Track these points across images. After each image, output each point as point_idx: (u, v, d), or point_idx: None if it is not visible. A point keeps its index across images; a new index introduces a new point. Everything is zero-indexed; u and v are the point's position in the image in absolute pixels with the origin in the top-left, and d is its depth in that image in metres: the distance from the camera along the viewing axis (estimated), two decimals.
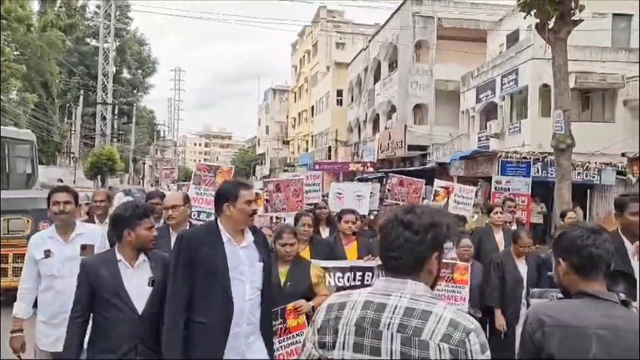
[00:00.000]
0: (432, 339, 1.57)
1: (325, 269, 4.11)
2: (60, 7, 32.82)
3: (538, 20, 7.87)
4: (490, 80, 20.41)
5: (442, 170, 19.77)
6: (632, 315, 1.83)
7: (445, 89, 25.07)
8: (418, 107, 26.16)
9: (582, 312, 1.80)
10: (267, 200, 6.03)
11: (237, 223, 2.91)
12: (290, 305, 3.59)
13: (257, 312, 2.96)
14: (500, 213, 6.26)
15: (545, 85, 17.68)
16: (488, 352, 1.63)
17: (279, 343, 3.59)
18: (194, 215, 5.09)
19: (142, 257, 3.00)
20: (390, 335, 1.60)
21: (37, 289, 3.49)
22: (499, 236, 6.03)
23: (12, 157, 9.69)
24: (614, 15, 18.34)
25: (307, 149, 47.47)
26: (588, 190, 14.97)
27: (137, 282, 2.92)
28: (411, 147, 24.51)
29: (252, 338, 2.95)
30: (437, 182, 8.19)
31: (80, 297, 2.92)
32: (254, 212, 2.96)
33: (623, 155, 13.83)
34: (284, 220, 6.05)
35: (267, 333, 3.06)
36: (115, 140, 42.44)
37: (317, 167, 32.80)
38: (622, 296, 1.89)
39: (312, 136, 46.12)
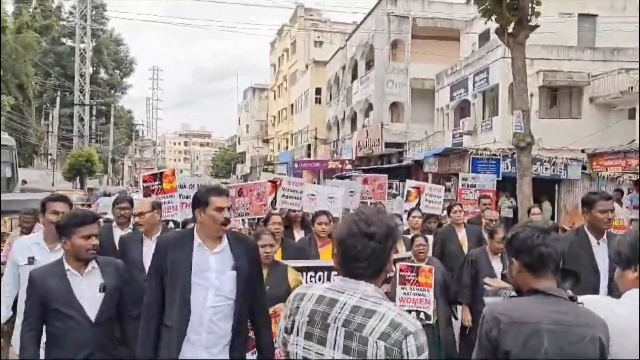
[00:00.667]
0: (371, 335, 1.72)
1: (298, 269, 4.12)
2: (35, 8, 32.55)
3: (498, 25, 8.31)
4: (463, 79, 20.97)
5: (417, 167, 20.29)
6: (580, 310, 1.92)
7: (421, 87, 25.60)
8: (394, 105, 26.67)
9: (533, 309, 1.88)
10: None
11: (207, 229, 2.82)
12: (279, 306, 3.48)
13: (223, 323, 2.76)
14: (459, 211, 6.28)
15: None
16: (426, 354, 1.75)
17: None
18: (171, 225, 5.17)
19: (91, 264, 2.95)
20: (336, 329, 1.77)
21: (17, 292, 3.48)
22: (461, 235, 6.06)
23: None
24: (580, 15, 19.02)
25: (287, 147, 47.73)
26: (556, 185, 15.55)
27: (88, 290, 2.89)
28: (388, 145, 25.00)
29: (217, 351, 2.74)
30: (409, 183, 8.34)
31: (30, 310, 2.87)
32: (227, 220, 2.83)
33: (583, 151, 14.43)
34: (256, 222, 6.02)
35: (237, 349, 2.82)
36: (93, 141, 42.18)
37: (296, 165, 33.16)
38: (570, 292, 2.01)
39: (292, 134, 46.39)
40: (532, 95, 17.46)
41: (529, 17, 8.04)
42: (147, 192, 5.38)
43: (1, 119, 25.39)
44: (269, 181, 6.60)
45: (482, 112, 19.95)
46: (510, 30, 8.20)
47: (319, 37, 47.21)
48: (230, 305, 2.76)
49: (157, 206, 4.15)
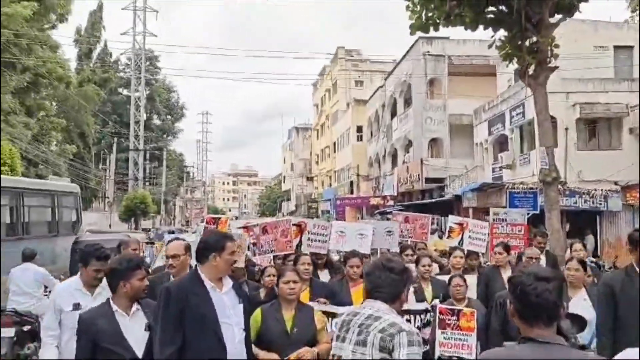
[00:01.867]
0: (373, 330, 2.42)
1: (326, 313, 4.13)
2: (96, 62, 35.27)
3: (519, 68, 8.81)
4: (500, 114, 21.25)
5: (458, 202, 20.48)
6: (576, 356, 1.91)
7: (459, 123, 25.96)
8: (434, 141, 27.08)
9: (523, 357, 1.87)
10: (254, 244, 6.03)
11: (220, 272, 3.12)
12: (293, 356, 3.53)
13: (244, 352, 3.13)
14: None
15: (551, 117, 18.45)
16: (415, 349, 2.35)
17: None
18: None
19: (135, 305, 3.15)
20: (353, 330, 2.52)
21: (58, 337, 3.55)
22: (507, 275, 5.35)
23: (61, 207, 11.03)
24: (615, 47, 19.12)
25: (330, 184, 48.52)
26: (597, 217, 15.48)
27: (135, 329, 3.08)
28: (428, 180, 25.30)
29: None
30: (452, 219, 7.99)
31: (82, 351, 3.04)
32: (235, 262, 3.27)
33: (616, 183, 14.40)
34: (282, 260, 6.01)
35: None
36: (147, 183, 44.38)
37: (338, 202, 33.74)
38: (580, 341, 2.21)
39: (335, 171, 47.22)
40: (567, 128, 17.69)
41: (548, 59, 8.50)
42: (207, 234, 5.86)
43: (64, 166, 27.42)
44: (295, 224, 6.45)
45: (520, 145, 20.10)
46: (530, 72, 8.67)
47: (359, 76, 48.50)
48: (244, 334, 3.17)
49: (189, 249, 4.16)
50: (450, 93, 26.19)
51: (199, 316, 2.98)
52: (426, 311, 4.64)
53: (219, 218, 6.13)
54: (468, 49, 25.73)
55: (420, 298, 5.13)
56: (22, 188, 9.88)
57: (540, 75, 8.54)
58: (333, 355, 2.67)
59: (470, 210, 18.60)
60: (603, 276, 5.02)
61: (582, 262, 4.69)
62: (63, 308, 3.56)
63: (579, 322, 3.45)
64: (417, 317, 4.56)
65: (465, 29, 9.48)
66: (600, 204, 14.77)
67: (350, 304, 4.32)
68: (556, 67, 8.73)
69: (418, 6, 9.10)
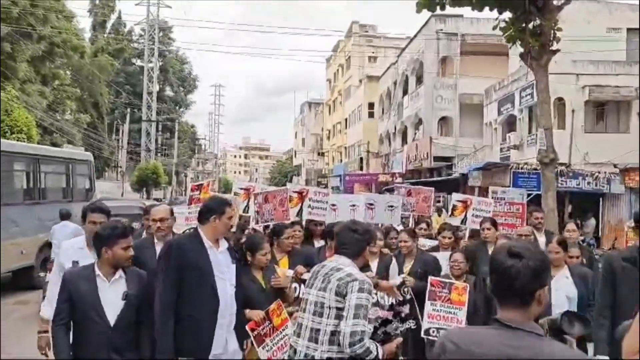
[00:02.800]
0: (333, 279, 2.87)
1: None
2: (110, 33, 35.48)
3: (522, 50, 8.94)
4: (510, 94, 21.25)
5: (465, 180, 20.68)
6: (548, 348, 1.67)
7: (470, 102, 25.95)
8: (443, 120, 27.14)
9: (485, 340, 1.72)
10: (257, 212, 6.07)
11: (218, 233, 3.42)
12: (273, 305, 3.89)
13: (234, 306, 3.45)
14: (488, 230, 5.67)
15: (560, 99, 18.47)
16: (365, 296, 2.76)
17: (270, 342, 3.85)
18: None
19: (119, 273, 3.20)
20: (319, 278, 2.96)
21: None
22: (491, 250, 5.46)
23: (75, 174, 11.47)
24: (628, 29, 18.94)
25: (341, 160, 48.73)
26: (600, 199, 15.65)
27: (112, 296, 3.12)
28: (437, 158, 25.47)
29: (231, 328, 3.45)
30: (455, 196, 7.87)
31: (61, 307, 3.12)
32: (232, 226, 3.68)
33: (615, 166, 14.52)
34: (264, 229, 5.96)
35: (241, 322, 3.59)
36: (159, 154, 44.93)
37: (347, 178, 34.04)
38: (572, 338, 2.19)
39: (346, 148, 47.37)
40: (573, 111, 17.72)
41: (550, 43, 8.63)
42: (190, 201, 5.87)
43: (78, 135, 27.91)
44: (296, 192, 6.52)
45: (528, 126, 20.15)
46: (533, 54, 8.81)
47: (373, 52, 48.13)
48: (234, 290, 3.48)
49: (172, 213, 4.28)
50: (461, 72, 26.12)
51: (197, 270, 3.28)
52: (402, 285, 4.63)
53: (202, 184, 6.26)
54: (481, 28, 25.52)
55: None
56: (38, 155, 10.32)
57: (543, 57, 8.69)
58: (301, 299, 3.23)
59: (476, 189, 18.81)
60: (605, 255, 5.02)
61: (562, 243, 4.64)
62: (64, 264, 3.72)
63: (582, 323, 3.41)
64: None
65: (472, 9, 9.63)
66: (603, 186, 14.94)
67: None
68: (558, 50, 8.87)
69: None
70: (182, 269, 3.25)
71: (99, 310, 3.08)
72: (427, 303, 4.40)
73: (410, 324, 3.77)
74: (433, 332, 4.40)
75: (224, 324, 3.36)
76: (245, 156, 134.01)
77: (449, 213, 7.82)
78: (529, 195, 13.56)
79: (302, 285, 4.14)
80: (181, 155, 54.54)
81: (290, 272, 4.38)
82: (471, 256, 5.42)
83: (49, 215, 9.30)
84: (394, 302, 4.39)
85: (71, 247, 3.84)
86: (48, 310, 3.58)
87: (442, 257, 5.44)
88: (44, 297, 4.13)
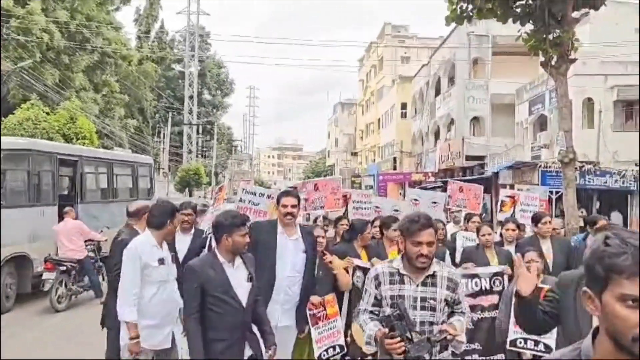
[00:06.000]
0: None
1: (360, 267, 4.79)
2: (153, 41, 37.38)
3: (543, 59, 9.75)
4: (541, 94, 21.77)
5: (495, 179, 21.33)
6: None
7: (501, 102, 26.48)
8: (475, 120, 27.73)
9: None
10: (305, 199, 6.44)
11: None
12: (329, 296, 4.49)
13: (295, 288, 3.99)
14: (550, 224, 5.54)
15: (590, 99, 18.97)
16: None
17: (323, 326, 4.45)
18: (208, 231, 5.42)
19: (238, 258, 3.39)
20: None
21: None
22: (546, 247, 5.27)
23: (139, 176, 12.88)
24: None
25: (374, 160, 49.51)
26: (628, 196, 16.15)
27: (239, 280, 3.30)
28: (469, 158, 26.10)
29: (288, 306, 4.00)
30: (504, 192, 7.94)
31: (194, 296, 3.21)
32: (289, 214, 4.04)
33: (636, 165, 15.00)
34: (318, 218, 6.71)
35: (302, 311, 4.13)
36: (198, 156, 46.78)
37: (381, 177, 34.89)
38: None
39: (379, 147, 48.10)
40: (600, 111, 18.20)
41: (568, 52, 9.42)
42: (215, 202, 6.30)
43: (126, 138, 29.72)
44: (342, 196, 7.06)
45: (558, 126, 20.65)
46: (553, 63, 9.61)
47: (405, 52, 48.71)
48: (298, 276, 4.04)
49: (195, 210, 5.24)
50: (493, 72, 26.68)
51: (263, 251, 3.95)
52: (496, 275, 4.80)
53: (222, 186, 6.73)
54: (512, 29, 25.99)
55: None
56: (112, 160, 11.80)
57: (562, 66, 9.47)
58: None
59: (507, 187, 19.48)
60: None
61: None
62: (150, 264, 3.76)
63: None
64: (485, 280, 4.76)
65: (497, 21, 10.50)
66: (631, 183, 15.43)
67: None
68: (575, 59, 9.64)
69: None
70: (255, 247, 3.79)
71: (232, 293, 3.25)
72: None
73: (475, 314, 4.21)
74: (520, 342, 4.12)
75: (278, 301, 4.02)
76: (279, 156, 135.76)
77: (498, 209, 7.87)
78: (557, 192, 14.33)
79: (363, 274, 4.51)
80: (219, 157, 56.42)
81: (359, 262, 4.84)
82: (523, 252, 5.30)
83: (120, 212, 10.62)
84: (483, 288, 4.73)
85: (148, 245, 3.81)
86: (130, 311, 3.65)
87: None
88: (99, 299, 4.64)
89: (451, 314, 2.83)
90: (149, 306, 3.76)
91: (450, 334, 2.64)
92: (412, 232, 2.74)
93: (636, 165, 14.94)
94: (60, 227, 8.70)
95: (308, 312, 4.25)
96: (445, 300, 2.78)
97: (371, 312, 2.85)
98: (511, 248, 5.50)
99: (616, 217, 15.38)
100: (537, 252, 4.42)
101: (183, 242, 4.86)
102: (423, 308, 2.74)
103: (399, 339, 2.49)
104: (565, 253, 5.30)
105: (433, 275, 2.80)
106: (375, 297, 2.86)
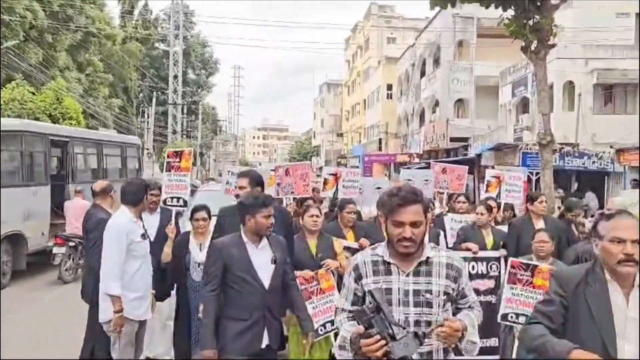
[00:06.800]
0: None
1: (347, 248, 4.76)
2: (137, 20, 36.90)
3: (523, 44, 10.05)
4: (524, 77, 22.17)
5: (479, 160, 21.79)
6: None
7: (485, 84, 26.86)
8: (460, 102, 28.12)
9: None
10: (278, 184, 6.36)
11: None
12: (321, 270, 4.39)
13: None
14: (545, 202, 5.62)
15: (570, 82, 19.42)
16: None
17: (317, 301, 4.38)
18: (168, 201, 5.20)
19: (264, 240, 3.36)
20: None
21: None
22: (540, 226, 5.21)
23: (128, 156, 13.03)
24: (637, 14, 19.68)
25: (359, 141, 49.83)
26: (605, 177, 16.70)
27: (262, 261, 3.30)
28: (453, 139, 26.52)
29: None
30: (489, 172, 8.02)
31: (215, 273, 3.25)
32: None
33: (611, 147, 15.50)
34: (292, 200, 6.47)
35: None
36: (183, 136, 46.57)
37: (367, 158, 35.25)
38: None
39: (365, 128, 48.40)
40: (580, 94, 18.67)
41: (547, 38, 9.72)
42: (168, 167, 5.34)
43: (111, 118, 29.55)
44: (331, 174, 7.07)
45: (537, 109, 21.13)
46: (532, 48, 9.92)
47: (392, 33, 48.76)
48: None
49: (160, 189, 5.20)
50: (477, 55, 26.99)
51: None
52: (494, 259, 4.84)
53: (182, 151, 5.50)
54: (497, 12, 26.22)
55: (481, 246, 5.22)
56: (102, 140, 11.94)
57: (541, 51, 9.78)
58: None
59: (490, 168, 19.94)
60: None
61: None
62: (135, 239, 3.92)
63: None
64: (482, 263, 4.77)
65: (480, 5, 10.76)
66: (607, 165, 15.95)
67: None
68: (554, 45, 9.96)
69: None
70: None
71: (253, 273, 3.26)
72: (507, 287, 4.02)
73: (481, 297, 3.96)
74: (512, 317, 4.05)
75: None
76: (264, 137, 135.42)
77: (484, 189, 7.85)
78: (537, 173, 14.77)
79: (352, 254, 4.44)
80: (204, 137, 56.15)
81: (345, 243, 4.81)
82: (516, 232, 5.31)
83: None
84: (480, 272, 4.70)
85: (130, 222, 3.93)
86: (115, 286, 3.75)
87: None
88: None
89: (456, 310, 2.30)
90: (134, 280, 3.88)
91: (449, 332, 2.08)
92: (391, 210, 2.19)
93: (612, 147, 15.44)
94: (69, 205, 9.13)
95: (300, 286, 4.08)
96: (445, 292, 2.22)
97: (350, 311, 2.28)
98: (504, 227, 5.59)
99: (590, 197, 15.90)
100: (548, 233, 4.40)
101: (152, 221, 4.87)
102: (417, 304, 2.19)
103: (378, 337, 1.93)
104: (557, 232, 5.25)
105: (427, 262, 2.24)
106: (355, 294, 2.29)
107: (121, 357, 3.89)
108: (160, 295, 4.64)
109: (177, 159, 5.29)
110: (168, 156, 5.43)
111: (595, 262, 2.29)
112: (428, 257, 2.25)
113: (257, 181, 4.13)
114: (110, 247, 3.80)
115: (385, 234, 2.29)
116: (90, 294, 4.29)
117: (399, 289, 2.21)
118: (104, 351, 4.05)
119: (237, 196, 4.13)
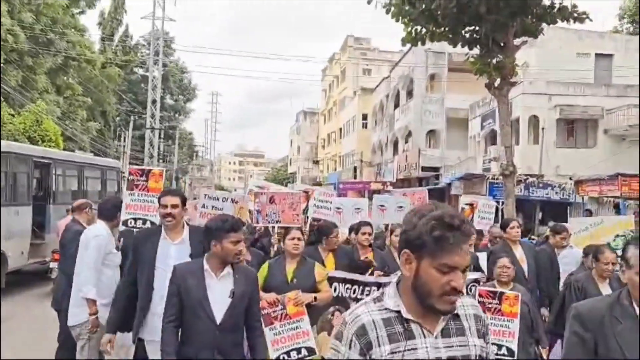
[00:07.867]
0: None
1: (337, 279, 4.45)
2: (117, 45, 37.29)
3: (487, 80, 10.81)
4: (492, 110, 23.18)
5: (449, 189, 22.56)
6: None
7: (456, 116, 27.94)
8: (431, 132, 29.10)
9: None
10: (258, 211, 6.10)
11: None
12: (290, 294, 3.92)
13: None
14: (518, 228, 5.69)
15: (535, 117, 20.46)
16: None
17: (280, 327, 3.85)
18: (130, 222, 4.85)
19: (227, 269, 3.04)
20: None
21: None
22: (518, 252, 5.49)
23: (107, 179, 13.28)
24: (597, 55, 21.00)
25: (335, 169, 50.52)
26: (567, 207, 17.54)
27: (219, 293, 2.97)
28: (425, 169, 27.39)
29: None
30: (464, 199, 8.27)
31: (173, 302, 2.99)
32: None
33: (570, 178, 16.40)
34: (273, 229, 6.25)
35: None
36: (160, 161, 46.57)
37: (341, 186, 35.84)
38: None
39: (340, 157, 49.17)
40: (543, 128, 19.69)
41: (510, 76, 10.51)
42: (131, 186, 4.97)
43: (88, 141, 29.59)
44: (303, 191, 7.01)
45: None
46: (496, 85, 10.68)
47: (367, 64, 50.17)
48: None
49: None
50: (448, 88, 28.14)
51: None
52: (474, 281, 4.59)
53: (150, 170, 5.12)
54: (466, 49, 27.50)
55: None
56: (83, 163, 12.20)
57: (503, 88, 10.55)
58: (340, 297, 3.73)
59: (460, 198, 20.67)
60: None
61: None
62: (112, 250, 4.25)
63: None
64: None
65: (449, 44, 11.54)
66: (569, 196, 16.79)
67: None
68: (516, 83, 10.77)
69: (410, 23, 11.07)
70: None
71: (205, 306, 2.95)
72: None
73: None
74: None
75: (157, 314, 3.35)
76: (240, 163, 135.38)
77: None
78: (502, 202, 15.49)
79: (341, 285, 4.44)
80: (180, 162, 56.17)
81: (332, 273, 4.52)
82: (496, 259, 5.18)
83: None
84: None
85: (107, 234, 4.26)
86: (93, 291, 4.01)
87: (482, 257, 5.62)
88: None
89: None
90: (107, 287, 4.05)
91: None
92: (442, 247, 1.48)
93: (570, 179, 16.30)
94: (62, 223, 9.36)
95: (262, 312, 3.69)
96: (480, 357, 1.61)
97: None
98: (483, 255, 5.64)
99: (551, 224, 16.71)
100: (509, 258, 4.50)
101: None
102: None
103: None
104: (534, 257, 5.58)
105: (456, 317, 1.60)
106: None
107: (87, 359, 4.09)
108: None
109: (143, 178, 4.97)
110: (130, 173, 5.08)
111: (621, 293, 2.03)
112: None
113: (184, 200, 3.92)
114: (89, 255, 4.06)
115: (409, 276, 1.55)
116: (60, 299, 4.61)
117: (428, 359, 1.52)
118: (69, 354, 4.38)
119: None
